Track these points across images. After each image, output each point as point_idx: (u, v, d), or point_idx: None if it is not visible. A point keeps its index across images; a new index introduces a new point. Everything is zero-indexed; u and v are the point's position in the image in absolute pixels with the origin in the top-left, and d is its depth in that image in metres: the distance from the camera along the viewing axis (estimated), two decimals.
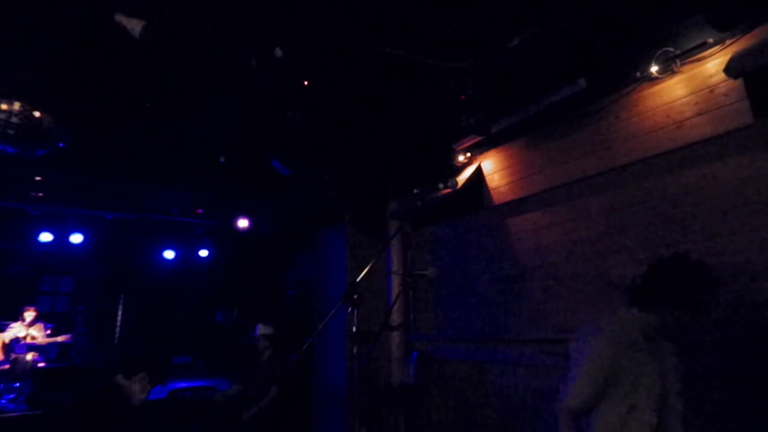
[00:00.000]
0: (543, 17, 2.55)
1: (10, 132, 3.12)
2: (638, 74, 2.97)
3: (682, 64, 2.79)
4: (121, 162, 4.69)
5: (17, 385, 5.70)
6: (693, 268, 1.86)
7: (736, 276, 2.46)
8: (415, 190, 4.31)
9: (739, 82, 2.52)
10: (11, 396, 5.60)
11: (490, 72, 2.97)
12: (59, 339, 6.27)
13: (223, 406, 4.38)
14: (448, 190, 4.13)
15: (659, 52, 2.80)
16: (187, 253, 8.38)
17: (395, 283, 5.04)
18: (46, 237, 6.72)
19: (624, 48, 2.88)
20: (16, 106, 3.11)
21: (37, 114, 3.23)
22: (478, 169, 4.20)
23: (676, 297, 1.80)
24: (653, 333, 1.86)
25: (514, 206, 3.88)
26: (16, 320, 6.06)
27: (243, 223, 6.49)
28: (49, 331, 6.33)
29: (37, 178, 5.11)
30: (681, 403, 1.84)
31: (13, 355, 5.78)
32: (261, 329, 4.70)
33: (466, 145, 4.21)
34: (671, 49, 2.76)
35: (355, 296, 2.63)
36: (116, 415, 2.67)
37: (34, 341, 6.00)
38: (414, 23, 2.61)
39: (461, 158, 4.30)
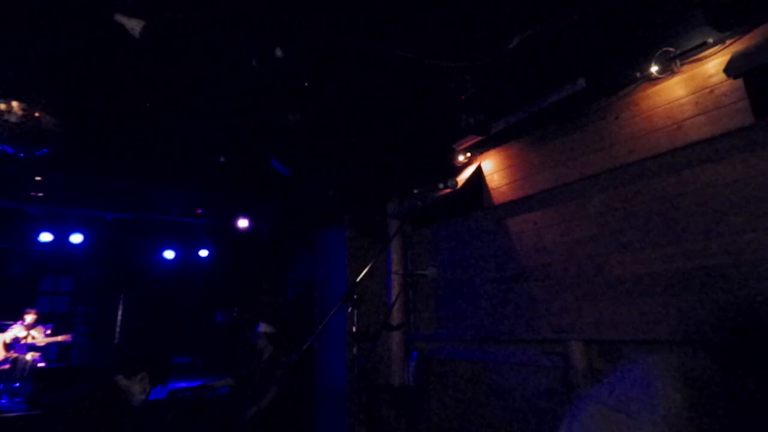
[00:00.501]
0: (543, 17, 2.55)
1: (9, 132, 3.12)
2: (638, 74, 2.97)
3: (682, 64, 2.79)
4: (121, 162, 4.69)
5: (17, 385, 5.70)
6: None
7: (736, 276, 2.46)
8: (415, 190, 4.31)
9: (739, 82, 2.52)
10: (11, 396, 5.61)
11: (490, 72, 2.96)
12: (59, 339, 6.28)
13: (213, 400, 4.38)
14: (448, 190, 4.13)
15: (659, 52, 2.80)
16: (187, 253, 8.37)
17: (395, 283, 5.04)
18: (46, 237, 6.72)
19: (624, 48, 2.88)
20: (16, 105, 3.11)
21: (36, 114, 3.23)
22: (478, 169, 4.20)
23: None
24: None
25: (514, 206, 3.88)
26: (16, 321, 6.07)
27: (243, 223, 6.49)
28: (49, 332, 6.34)
29: (37, 178, 5.11)
30: None
31: (13, 355, 5.79)
32: (263, 327, 4.69)
33: (466, 145, 4.21)
34: (671, 49, 2.76)
35: (355, 296, 2.63)
36: (116, 416, 2.66)
37: (34, 341, 6.00)
38: (414, 23, 2.61)
39: (461, 158, 4.30)
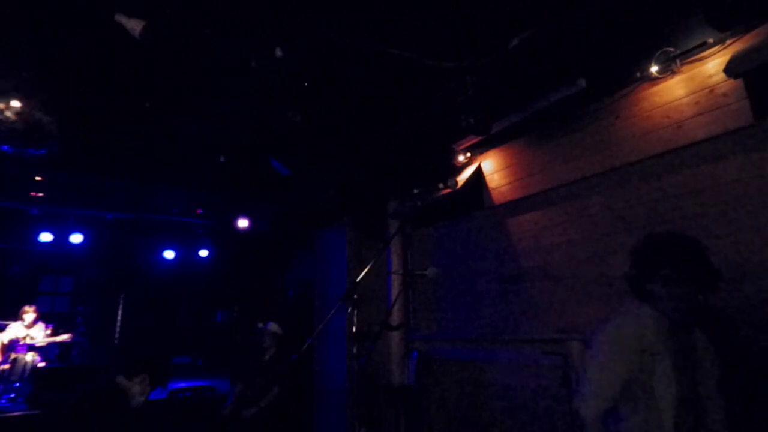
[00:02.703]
0: (543, 17, 2.55)
1: (9, 132, 3.12)
2: (638, 74, 2.97)
3: (682, 64, 2.79)
4: (121, 162, 4.69)
5: (17, 385, 5.70)
6: (672, 239, 1.71)
7: (736, 276, 2.46)
8: (415, 190, 4.32)
9: (739, 82, 2.52)
10: (11, 396, 5.60)
11: (490, 72, 2.96)
12: (59, 339, 6.27)
13: (229, 414, 4.39)
14: (448, 190, 4.14)
15: (659, 52, 2.80)
16: (187, 253, 8.37)
17: (395, 283, 5.04)
18: (46, 237, 6.71)
19: (624, 48, 2.88)
20: (15, 105, 3.11)
21: (36, 114, 3.23)
22: (478, 169, 4.20)
23: (673, 263, 1.62)
24: (669, 326, 1.67)
25: (514, 206, 3.88)
26: (16, 320, 6.06)
27: (243, 223, 6.49)
28: (49, 331, 6.33)
29: (37, 178, 5.11)
30: (719, 394, 1.63)
31: (13, 355, 5.78)
32: (272, 327, 4.70)
33: (466, 145, 4.21)
34: (671, 49, 2.76)
35: (355, 296, 2.63)
36: (116, 416, 2.65)
37: (34, 341, 6.00)
38: (414, 23, 2.61)
39: (461, 158, 4.30)
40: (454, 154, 4.31)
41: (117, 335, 9.77)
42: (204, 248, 8.22)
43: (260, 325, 4.79)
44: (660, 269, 1.62)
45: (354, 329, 2.68)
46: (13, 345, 5.83)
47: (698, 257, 1.63)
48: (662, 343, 1.65)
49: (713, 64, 2.65)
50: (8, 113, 3.11)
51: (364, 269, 2.71)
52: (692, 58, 2.75)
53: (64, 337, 6.31)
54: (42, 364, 6.00)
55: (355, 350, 2.71)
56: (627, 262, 1.79)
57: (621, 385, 1.67)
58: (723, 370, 1.64)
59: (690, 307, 1.62)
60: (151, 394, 2.92)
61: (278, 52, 2.60)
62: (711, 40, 2.62)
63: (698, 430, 1.60)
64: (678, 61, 2.78)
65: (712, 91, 2.66)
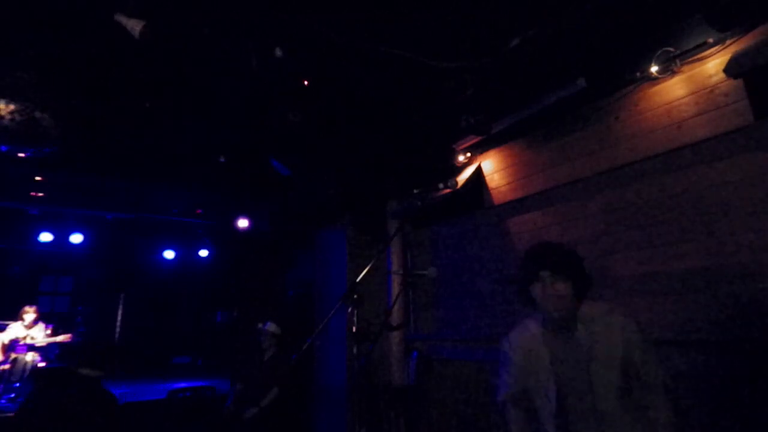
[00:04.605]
0: (543, 17, 2.55)
1: (8, 132, 3.12)
2: (638, 74, 2.97)
3: (682, 64, 2.78)
4: (121, 162, 4.69)
5: (17, 385, 5.70)
6: (549, 246, 1.88)
7: (736, 276, 2.46)
8: (415, 190, 4.31)
9: (739, 82, 2.52)
10: (11, 396, 5.61)
11: (490, 72, 2.96)
12: (59, 339, 6.27)
13: (230, 414, 4.39)
14: (448, 190, 4.14)
15: (659, 52, 2.80)
16: (187, 253, 8.38)
17: (395, 283, 5.04)
18: (46, 237, 6.72)
19: (624, 48, 2.88)
20: (15, 106, 3.11)
21: (36, 114, 3.23)
22: (478, 169, 4.20)
23: (548, 264, 1.77)
24: (551, 327, 1.83)
25: (514, 206, 3.88)
26: (16, 320, 6.07)
27: (243, 223, 6.49)
28: (49, 331, 6.33)
29: (37, 178, 5.11)
30: (592, 389, 1.72)
31: (13, 355, 5.78)
32: (271, 327, 4.70)
33: (466, 145, 4.21)
34: (671, 49, 2.76)
35: (355, 296, 2.63)
36: (93, 413, 2.60)
37: (34, 341, 6.00)
38: (414, 23, 2.61)
39: (461, 158, 4.30)
40: (454, 154, 4.31)
41: (117, 335, 9.78)
42: (204, 248, 8.23)
43: (259, 325, 4.79)
44: (538, 272, 1.78)
45: (354, 329, 2.68)
46: (13, 345, 5.84)
47: (571, 261, 1.80)
48: (542, 343, 1.85)
49: (713, 64, 2.65)
50: (8, 114, 3.11)
51: (364, 269, 2.71)
52: (692, 58, 2.74)
53: (64, 337, 6.31)
54: (42, 364, 6.01)
55: (355, 350, 2.71)
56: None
57: (520, 383, 1.90)
58: (600, 368, 1.73)
59: (567, 307, 1.75)
60: (151, 394, 2.91)
61: (278, 52, 2.60)
62: (711, 40, 2.62)
63: (586, 416, 1.73)
64: (678, 61, 2.78)
65: (712, 91, 2.66)
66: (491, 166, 4.13)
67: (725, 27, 2.50)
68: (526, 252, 1.90)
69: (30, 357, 5.90)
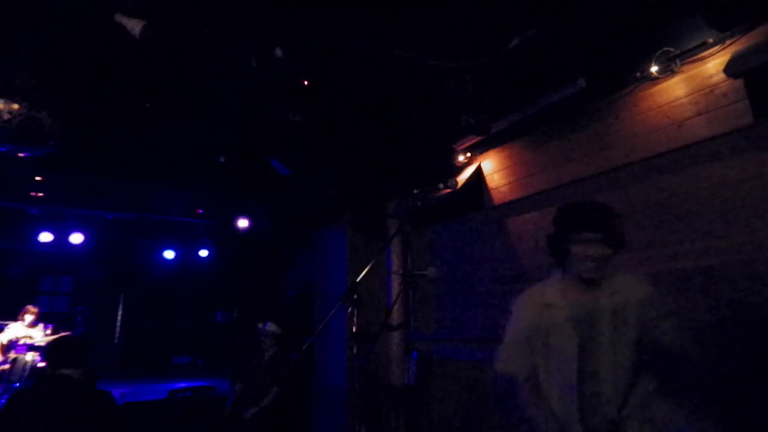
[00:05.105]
0: (543, 17, 2.55)
1: (8, 132, 3.12)
2: (638, 74, 2.97)
3: (682, 64, 2.78)
4: (121, 162, 4.69)
5: (17, 385, 5.70)
6: (591, 204, 1.80)
7: (736, 276, 2.46)
8: (415, 190, 4.32)
9: (739, 82, 2.52)
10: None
11: (490, 72, 2.96)
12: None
13: (229, 414, 4.40)
14: (448, 190, 4.14)
15: (659, 52, 2.80)
16: (187, 253, 8.38)
17: (395, 283, 5.04)
18: (46, 237, 6.71)
19: (624, 48, 2.88)
20: (15, 105, 3.11)
21: (36, 114, 3.23)
22: (478, 169, 4.20)
23: (588, 224, 1.69)
24: (576, 285, 1.77)
25: (514, 206, 3.88)
26: (16, 320, 6.06)
27: (243, 223, 6.49)
28: (49, 331, 6.33)
29: (37, 178, 5.11)
30: (629, 358, 1.68)
31: (13, 355, 5.78)
32: (271, 327, 4.70)
33: (466, 145, 4.21)
34: (671, 49, 2.76)
35: (355, 296, 2.63)
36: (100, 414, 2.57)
37: (34, 341, 6.00)
38: (414, 23, 2.61)
39: (461, 158, 4.30)
40: (454, 154, 4.31)
41: (117, 335, 9.78)
42: (204, 248, 8.22)
43: (259, 325, 4.80)
44: (582, 231, 1.70)
45: (354, 329, 2.68)
46: (13, 345, 5.84)
47: (616, 225, 1.72)
48: (563, 298, 1.78)
49: (713, 64, 2.65)
50: (8, 114, 3.11)
51: (364, 269, 2.71)
52: (692, 58, 2.74)
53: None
54: (42, 364, 6.00)
55: (355, 350, 2.71)
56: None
57: (524, 346, 1.83)
58: (622, 327, 1.70)
59: (602, 270, 1.71)
60: (151, 394, 2.90)
61: (278, 52, 2.60)
62: (711, 40, 2.62)
63: (599, 383, 1.69)
64: (678, 61, 2.78)
65: (712, 91, 2.65)
66: (491, 166, 4.13)
67: (725, 27, 2.50)
68: (571, 207, 1.81)
69: (30, 357, 5.89)
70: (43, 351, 6.12)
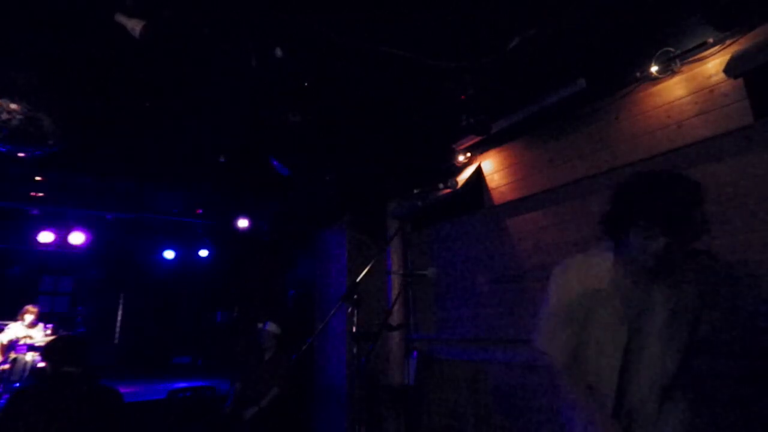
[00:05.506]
0: (543, 17, 2.55)
1: (8, 132, 3.12)
2: (638, 74, 2.97)
3: (682, 64, 2.78)
4: (121, 162, 4.69)
5: (17, 385, 5.70)
6: (668, 181, 1.46)
7: (735, 276, 2.46)
8: (415, 190, 4.31)
9: (739, 82, 2.52)
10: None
11: (490, 72, 2.96)
12: None
13: (230, 414, 4.40)
14: (448, 190, 4.13)
15: (659, 52, 2.80)
16: (187, 253, 8.38)
17: (395, 283, 5.04)
18: (46, 237, 6.71)
19: (624, 48, 2.88)
20: (15, 105, 3.10)
21: (36, 114, 3.23)
22: (478, 169, 4.20)
23: (653, 216, 1.40)
24: (628, 273, 1.53)
25: (514, 206, 3.88)
26: (16, 320, 6.07)
27: (243, 223, 6.49)
28: (49, 331, 6.33)
29: (37, 178, 5.11)
30: (673, 362, 1.50)
31: (13, 355, 5.78)
32: (271, 327, 4.70)
33: (466, 145, 4.21)
34: (671, 49, 2.76)
35: (355, 296, 2.63)
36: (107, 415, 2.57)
37: (34, 341, 6.00)
38: (414, 23, 2.61)
39: (461, 158, 4.30)
40: (454, 154, 4.31)
41: (117, 335, 9.78)
42: (204, 248, 8.22)
43: (259, 325, 4.80)
44: (652, 227, 1.41)
45: (354, 329, 2.68)
46: (13, 345, 5.84)
47: (688, 214, 1.41)
48: (613, 285, 1.53)
49: (713, 64, 2.65)
50: (8, 113, 3.11)
51: (364, 269, 2.71)
52: (692, 58, 2.74)
53: None
54: (42, 364, 6.00)
55: (355, 350, 2.71)
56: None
57: (566, 323, 1.61)
58: (678, 321, 1.51)
59: (663, 262, 1.45)
60: (151, 395, 2.90)
61: (278, 52, 2.60)
62: (711, 40, 2.62)
63: (640, 378, 1.52)
64: (678, 61, 2.78)
65: (712, 91, 2.65)
66: (491, 166, 4.13)
67: (725, 27, 2.50)
68: (639, 182, 1.51)
69: (30, 357, 5.89)
70: (42, 351, 6.13)
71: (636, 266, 1.51)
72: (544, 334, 1.69)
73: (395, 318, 4.79)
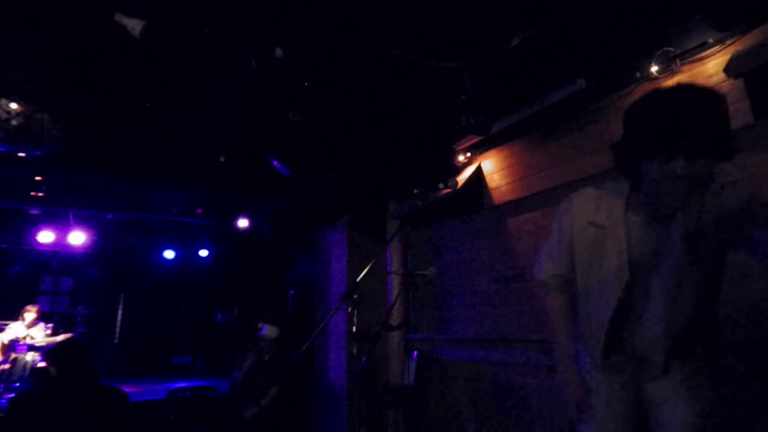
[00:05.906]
0: (543, 17, 2.55)
1: (7, 132, 3.12)
2: (638, 74, 2.97)
3: (682, 64, 2.78)
4: (121, 162, 4.70)
5: (17, 385, 5.71)
6: (689, 100, 1.19)
7: (736, 276, 2.45)
8: (415, 190, 4.32)
9: (739, 82, 2.52)
10: (11, 396, 5.61)
11: (490, 72, 2.97)
12: (59, 339, 6.27)
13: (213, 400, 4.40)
14: (448, 190, 4.14)
15: (659, 52, 2.80)
16: (187, 253, 8.38)
17: (395, 283, 5.04)
18: (46, 237, 6.72)
19: (624, 48, 2.88)
20: (15, 105, 3.11)
21: (36, 114, 3.23)
22: (478, 169, 4.20)
23: (670, 131, 1.16)
24: (647, 211, 1.39)
25: (514, 206, 3.88)
26: (16, 320, 6.07)
27: (243, 223, 6.50)
28: (49, 331, 6.34)
29: (37, 178, 5.12)
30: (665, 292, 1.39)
31: (13, 355, 5.79)
32: (268, 331, 4.70)
33: (466, 145, 4.22)
34: (671, 49, 2.76)
35: (355, 296, 2.63)
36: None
37: (34, 341, 6.00)
38: (414, 23, 2.61)
39: (461, 158, 4.30)
40: (454, 154, 4.31)
41: (117, 335, 9.78)
42: (204, 248, 8.23)
43: (259, 325, 4.81)
44: (672, 152, 1.18)
45: (354, 329, 2.67)
46: (13, 345, 5.84)
47: (714, 120, 1.16)
48: (623, 224, 1.40)
49: (713, 64, 2.65)
50: (8, 113, 3.11)
51: (364, 269, 2.71)
52: (692, 58, 2.74)
53: (64, 337, 6.31)
54: (42, 364, 6.00)
55: (355, 350, 2.71)
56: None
57: (569, 253, 1.54)
58: (689, 261, 1.37)
59: (682, 196, 1.28)
60: (151, 395, 2.90)
61: (278, 52, 2.60)
62: (711, 40, 2.62)
63: (649, 324, 1.43)
64: (678, 61, 2.78)
65: None
66: (491, 166, 4.13)
67: (725, 27, 2.50)
68: (655, 101, 1.24)
69: (30, 357, 5.90)
70: (44, 352, 6.13)
71: (651, 204, 1.36)
72: (542, 261, 1.65)
73: (395, 318, 4.79)
